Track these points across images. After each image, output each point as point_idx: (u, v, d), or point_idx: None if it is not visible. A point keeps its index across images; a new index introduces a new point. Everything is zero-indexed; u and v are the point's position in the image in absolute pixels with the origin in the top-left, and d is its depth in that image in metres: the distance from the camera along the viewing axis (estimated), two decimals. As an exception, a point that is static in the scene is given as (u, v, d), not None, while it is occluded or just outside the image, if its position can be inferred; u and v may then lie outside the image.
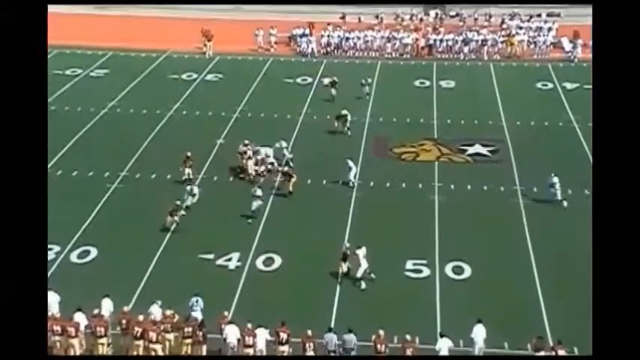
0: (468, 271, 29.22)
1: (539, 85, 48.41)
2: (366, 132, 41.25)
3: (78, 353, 24.63)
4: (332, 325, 25.20)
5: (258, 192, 32.81)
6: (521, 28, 56.04)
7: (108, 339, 24.74)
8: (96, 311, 25.24)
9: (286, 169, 35.55)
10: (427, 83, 48.89)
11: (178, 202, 32.18)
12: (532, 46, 54.32)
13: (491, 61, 52.67)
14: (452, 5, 62.54)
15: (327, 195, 34.89)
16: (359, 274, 28.34)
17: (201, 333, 24.38)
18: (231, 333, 24.34)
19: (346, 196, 34.54)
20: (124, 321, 24.93)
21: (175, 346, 24.80)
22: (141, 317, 24.77)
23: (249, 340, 24.15)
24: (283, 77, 50.03)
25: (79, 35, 56.44)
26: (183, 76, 50.23)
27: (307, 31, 55.64)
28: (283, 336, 24.08)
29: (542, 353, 23.74)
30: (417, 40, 54.74)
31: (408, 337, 23.88)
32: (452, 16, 61.18)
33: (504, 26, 56.58)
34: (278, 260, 30.10)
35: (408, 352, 23.57)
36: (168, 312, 25.14)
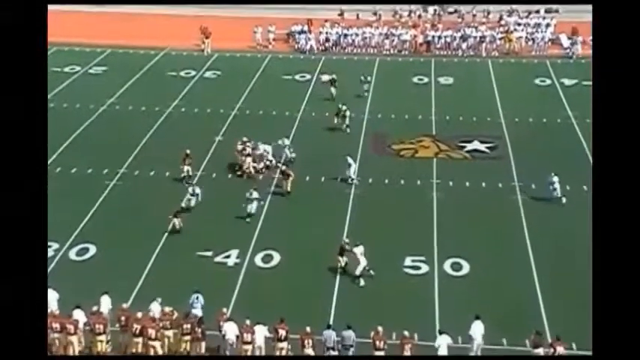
0: (466, 268, 29.25)
1: (537, 81, 48.43)
2: (364, 128, 41.26)
3: (77, 350, 24.65)
4: (331, 322, 25.18)
5: (255, 194, 32.51)
6: (519, 24, 56.06)
7: (107, 336, 24.75)
8: (94, 308, 25.26)
9: (284, 167, 35.53)
10: (425, 80, 48.90)
11: (183, 206, 32.01)
12: (530, 42, 54.32)
13: (490, 58, 52.69)
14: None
15: (325, 192, 34.90)
16: (357, 272, 28.37)
17: (200, 330, 24.40)
18: (230, 330, 24.37)
19: (345, 193, 34.56)
20: (122, 318, 24.96)
21: (174, 343, 24.82)
22: (139, 314, 24.80)
23: (247, 337, 24.18)
24: (282, 74, 50.02)
25: (78, 32, 56.42)
26: (182, 74, 50.22)
27: (305, 28, 55.64)
28: (282, 333, 24.10)
29: (540, 349, 23.79)
30: (415, 36, 54.76)
31: (406, 333, 23.91)
32: (450, 13, 61.17)
33: (502, 22, 56.62)
34: (277, 257, 30.12)
35: (407, 349, 23.61)
36: (167, 309, 25.16)
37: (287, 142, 37.58)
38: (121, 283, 27.64)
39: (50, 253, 29.86)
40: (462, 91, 46.75)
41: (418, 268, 29.36)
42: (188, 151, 35.61)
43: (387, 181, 35.66)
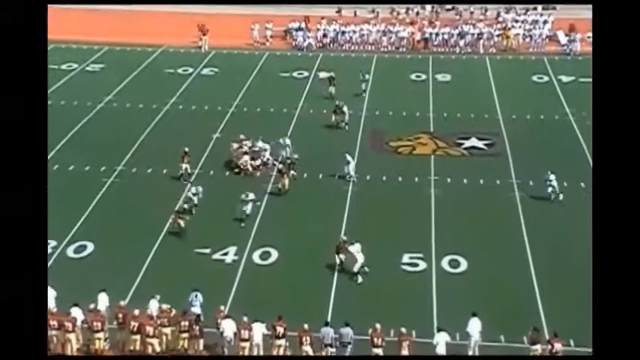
0: (464, 265, 29.26)
1: (535, 78, 48.41)
2: (362, 126, 41.24)
3: (75, 348, 24.65)
4: (329, 319, 25.23)
5: (251, 195, 32.20)
6: (517, 21, 55.98)
7: (105, 334, 24.73)
8: (92, 306, 25.26)
9: (281, 166, 35.45)
10: (423, 77, 48.88)
11: (186, 207, 31.95)
12: (528, 39, 54.28)
13: (487, 55, 52.66)
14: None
15: (323, 189, 34.90)
16: (355, 269, 28.37)
17: (197, 327, 24.40)
18: (228, 327, 24.37)
19: (342, 190, 34.55)
20: (120, 315, 24.96)
21: (172, 341, 24.83)
22: (137, 311, 24.79)
23: (244, 334, 24.17)
24: (279, 71, 49.97)
25: (75, 30, 56.30)
26: (179, 71, 50.17)
27: (303, 25, 55.60)
28: (280, 330, 24.11)
29: (538, 346, 23.80)
30: (412, 33, 54.69)
31: (403, 330, 23.92)
32: (448, 10, 61.10)
33: (500, 19, 56.58)
34: (274, 254, 30.12)
35: (404, 345, 23.62)
36: (165, 306, 25.16)
37: (288, 141, 37.37)
38: (118, 281, 27.64)
39: (48, 250, 29.80)
40: (460, 88, 46.73)
41: (416, 265, 29.37)
42: (186, 149, 35.58)
43: (384, 178, 35.66)
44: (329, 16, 56.93)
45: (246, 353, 24.37)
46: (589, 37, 51.66)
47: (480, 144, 39.21)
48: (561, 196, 33.11)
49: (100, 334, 24.55)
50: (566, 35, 53.56)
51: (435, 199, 33.75)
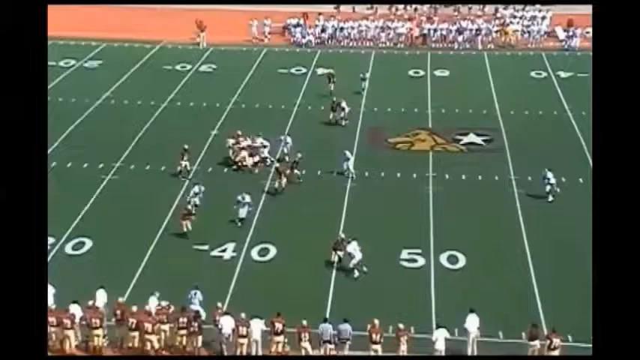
0: (462, 261, 29.27)
1: (533, 74, 48.37)
2: (360, 122, 41.20)
3: (73, 345, 24.66)
4: (327, 315, 25.23)
5: (247, 198, 31.85)
6: (515, 17, 55.95)
7: (103, 330, 24.73)
8: (90, 302, 25.24)
9: (278, 164, 35.37)
10: (421, 73, 48.83)
11: (189, 207, 31.66)
12: (526, 35, 54.24)
13: (486, 51, 52.61)
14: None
15: (322, 185, 34.87)
16: (351, 265, 28.33)
17: (196, 324, 24.38)
18: (227, 323, 24.36)
19: (341, 186, 34.53)
20: (118, 312, 24.95)
21: (170, 337, 24.82)
22: (134, 308, 24.78)
23: (242, 331, 24.17)
24: (277, 68, 49.90)
25: (73, 26, 56.15)
26: (177, 67, 50.10)
27: (301, 21, 55.53)
28: (278, 326, 24.11)
29: (536, 342, 23.82)
30: (411, 29, 54.63)
31: (401, 325, 23.93)
32: (446, 6, 60.98)
33: (498, 15, 56.53)
34: (273, 250, 30.11)
35: (403, 341, 23.66)
36: (164, 303, 25.16)
37: (289, 139, 37.13)
38: (117, 277, 27.66)
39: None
40: (458, 84, 46.66)
41: (415, 261, 29.37)
42: (186, 146, 35.53)
43: (383, 174, 35.64)
44: (327, 12, 56.81)
45: (245, 350, 24.38)
46: (587, 32, 51.68)
47: (479, 140, 39.20)
48: (558, 190, 33.01)
49: (99, 331, 24.55)
50: (565, 31, 53.53)
51: (433, 195, 33.74)
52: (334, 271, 28.68)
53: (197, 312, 24.87)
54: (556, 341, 23.37)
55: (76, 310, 24.90)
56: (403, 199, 33.64)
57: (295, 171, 34.89)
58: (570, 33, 52.71)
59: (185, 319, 24.47)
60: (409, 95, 44.96)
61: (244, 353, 24.38)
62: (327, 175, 35.54)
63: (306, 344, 24.00)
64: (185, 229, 30.75)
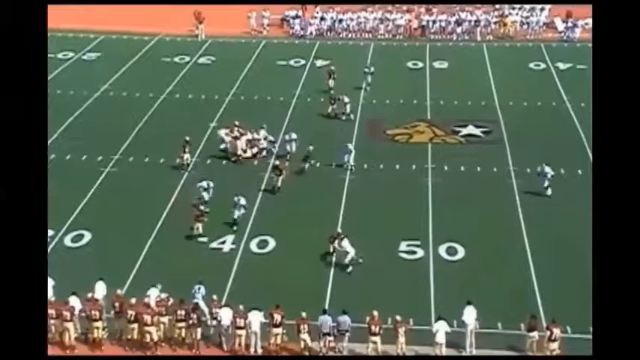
0: (461, 252, 29.29)
1: (532, 65, 48.33)
2: (359, 114, 41.16)
3: (73, 337, 24.68)
4: (326, 307, 25.24)
5: (242, 201, 31.17)
6: (514, 8, 55.87)
7: (102, 322, 24.75)
8: (90, 295, 25.26)
9: (277, 162, 35.21)
10: (420, 64, 48.77)
11: (202, 207, 31.30)
12: (525, 26, 54.16)
13: (484, 42, 52.56)
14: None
15: (321, 177, 34.86)
16: (347, 261, 28.31)
17: (195, 315, 24.40)
18: (226, 315, 24.39)
19: (340, 179, 34.53)
20: (117, 304, 24.97)
21: (170, 329, 24.84)
22: (133, 300, 24.81)
23: (240, 322, 24.21)
24: (276, 59, 49.83)
25: (71, 19, 56.00)
26: (176, 59, 50.03)
27: (300, 13, 55.44)
28: (277, 318, 24.13)
29: (535, 333, 23.85)
30: (409, 21, 54.58)
31: (398, 317, 23.94)
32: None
33: (497, 7, 56.41)
34: (272, 243, 30.12)
35: (401, 332, 23.67)
36: (163, 295, 25.19)
37: (294, 135, 36.45)
38: (116, 270, 27.68)
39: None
40: (457, 76, 46.60)
41: (414, 252, 29.39)
42: (187, 138, 35.46)
43: (382, 166, 35.64)
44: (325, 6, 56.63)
45: (243, 341, 24.42)
46: (586, 24, 51.60)
47: (477, 131, 39.18)
48: (551, 180, 32.93)
49: (98, 323, 24.57)
50: (563, 22, 53.47)
51: (432, 187, 33.74)
52: (333, 263, 28.70)
53: (196, 304, 24.89)
54: (556, 332, 23.38)
55: (75, 302, 24.93)
56: (402, 190, 33.64)
57: (306, 164, 35.00)
58: (569, 24, 52.65)
59: (183, 312, 24.49)
60: (408, 87, 44.92)
61: (243, 345, 24.44)
62: (326, 167, 35.52)
63: (305, 336, 24.03)
64: (196, 231, 30.34)
